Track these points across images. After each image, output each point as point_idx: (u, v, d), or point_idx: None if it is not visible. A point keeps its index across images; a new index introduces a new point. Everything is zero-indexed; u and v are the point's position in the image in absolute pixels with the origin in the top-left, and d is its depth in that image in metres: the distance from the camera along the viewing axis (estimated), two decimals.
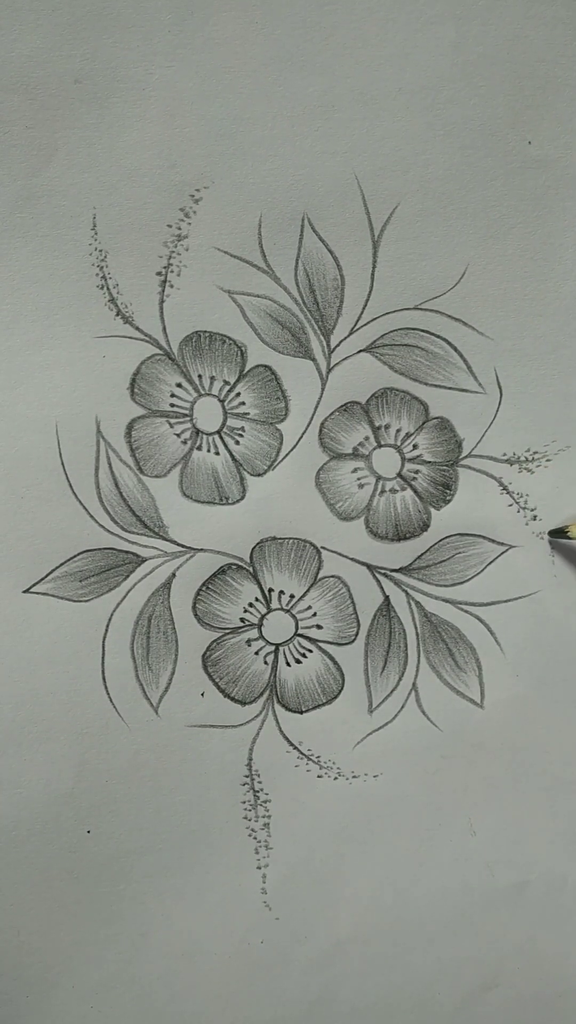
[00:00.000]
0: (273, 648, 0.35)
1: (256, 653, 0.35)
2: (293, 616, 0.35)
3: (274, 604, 0.35)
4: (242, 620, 0.35)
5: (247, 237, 0.33)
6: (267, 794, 0.35)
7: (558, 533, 0.35)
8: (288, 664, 0.35)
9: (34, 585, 0.34)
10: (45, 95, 0.32)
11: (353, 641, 0.35)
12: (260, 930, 0.35)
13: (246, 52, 0.33)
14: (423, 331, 0.34)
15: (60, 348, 0.33)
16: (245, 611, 0.35)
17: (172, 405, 0.34)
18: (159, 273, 0.33)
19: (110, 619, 0.34)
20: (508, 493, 0.35)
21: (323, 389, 0.34)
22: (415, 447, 0.35)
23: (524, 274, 0.34)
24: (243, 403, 0.34)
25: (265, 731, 0.35)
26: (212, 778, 0.35)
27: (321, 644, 0.35)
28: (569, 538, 0.35)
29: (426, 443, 0.35)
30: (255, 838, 0.35)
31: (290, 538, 0.35)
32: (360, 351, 0.34)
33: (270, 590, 0.35)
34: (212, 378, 0.34)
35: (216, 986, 0.35)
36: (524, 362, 0.35)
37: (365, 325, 0.34)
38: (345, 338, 0.34)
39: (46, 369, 0.33)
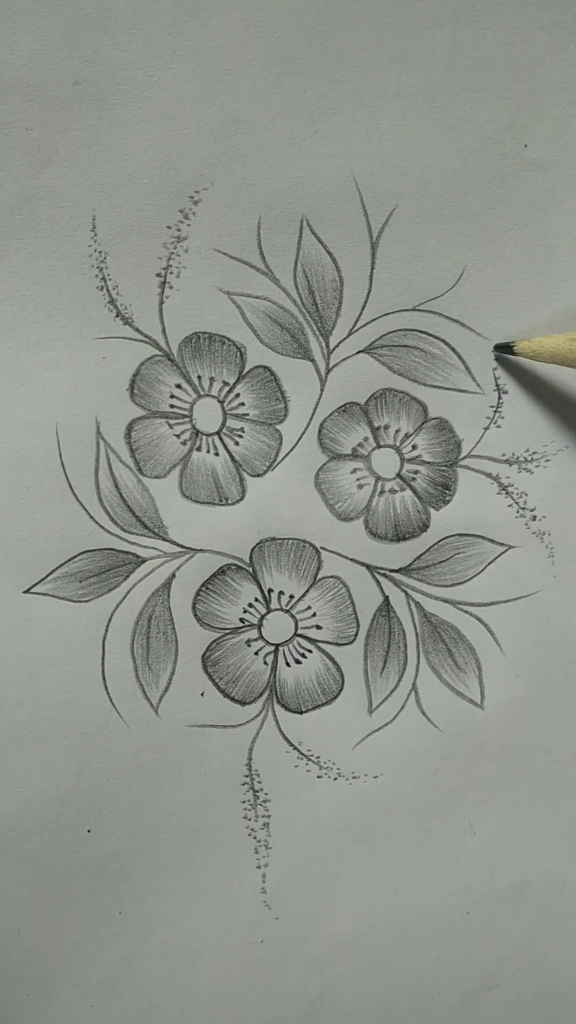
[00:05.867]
0: (273, 648, 0.35)
1: (256, 653, 0.35)
2: (293, 616, 0.35)
3: (274, 604, 0.35)
4: (242, 620, 0.35)
5: (246, 239, 0.34)
6: (267, 794, 0.35)
7: (504, 348, 0.34)
8: (288, 664, 0.35)
9: (34, 585, 0.34)
10: (45, 97, 0.32)
11: (353, 641, 0.35)
12: (260, 929, 0.35)
13: (245, 54, 0.33)
14: (421, 332, 0.34)
15: (60, 349, 0.33)
16: (245, 611, 0.35)
17: (172, 406, 0.34)
18: (159, 274, 0.34)
19: (110, 619, 0.34)
20: (507, 493, 0.35)
21: (322, 390, 0.35)
22: (414, 447, 0.35)
23: (521, 275, 0.34)
24: (242, 404, 0.34)
25: (265, 731, 0.35)
26: (212, 778, 0.35)
27: (321, 644, 0.35)
28: (514, 353, 0.34)
29: (425, 443, 0.35)
30: (255, 838, 0.35)
31: (290, 538, 0.35)
32: (359, 352, 0.34)
33: (270, 590, 0.35)
34: (211, 379, 0.34)
35: (216, 985, 0.35)
36: (522, 363, 0.35)
37: (364, 326, 0.34)
38: (344, 339, 0.34)
39: (46, 370, 0.33)
